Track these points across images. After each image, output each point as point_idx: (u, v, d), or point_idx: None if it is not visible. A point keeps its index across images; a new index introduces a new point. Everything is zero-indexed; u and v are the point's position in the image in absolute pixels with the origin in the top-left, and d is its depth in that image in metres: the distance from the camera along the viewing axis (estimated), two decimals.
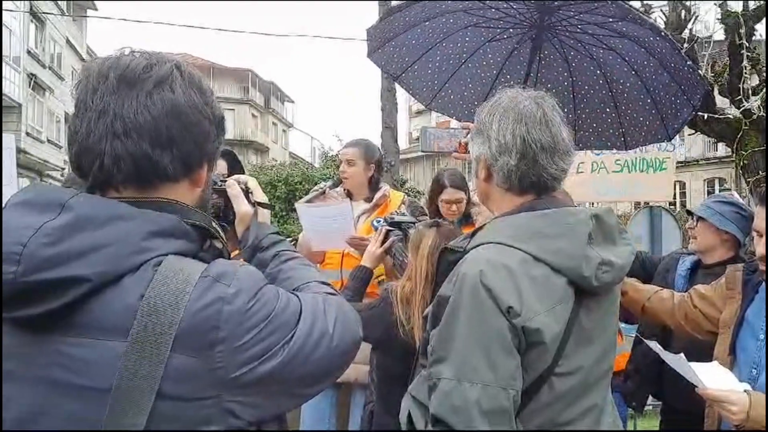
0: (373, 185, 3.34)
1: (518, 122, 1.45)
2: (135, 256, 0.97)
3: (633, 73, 2.74)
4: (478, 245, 1.43)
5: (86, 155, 1.02)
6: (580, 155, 4.11)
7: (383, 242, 2.73)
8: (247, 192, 1.41)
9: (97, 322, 0.94)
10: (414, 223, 2.74)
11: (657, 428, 3.41)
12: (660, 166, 4.17)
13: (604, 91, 2.84)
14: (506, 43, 2.91)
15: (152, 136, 1.01)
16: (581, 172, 4.09)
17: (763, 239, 2.07)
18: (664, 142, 3.02)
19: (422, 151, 3.46)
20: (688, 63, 2.63)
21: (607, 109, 2.86)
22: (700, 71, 2.85)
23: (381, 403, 2.45)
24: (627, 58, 2.72)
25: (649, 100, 2.76)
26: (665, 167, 4.15)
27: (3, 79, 19.73)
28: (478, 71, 2.99)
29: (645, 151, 4.17)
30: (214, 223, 1.13)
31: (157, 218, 1.01)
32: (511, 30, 2.85)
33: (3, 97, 19.86)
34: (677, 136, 4.17)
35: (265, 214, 1.41)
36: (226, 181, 1.40)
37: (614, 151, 4.15)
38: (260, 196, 1.42)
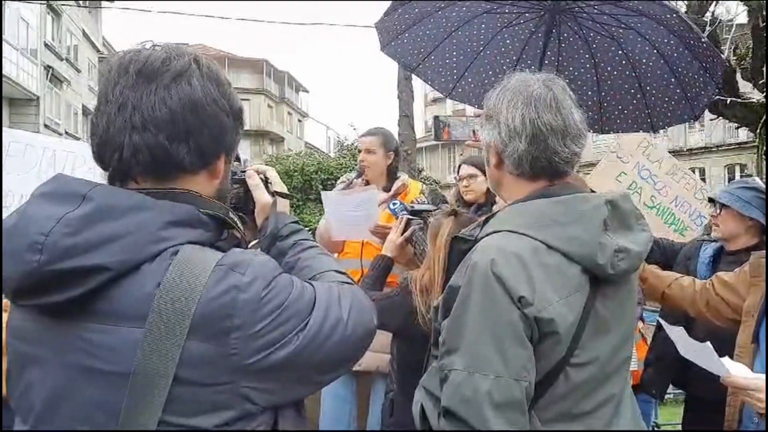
0: (392, 174, 3.35)
1: (528, 106, 1.41)
2: (153, 246, 0.99)
3: (655, 51, 2.67)
4: (489, 234, 1.40)
5: (106, 147, 1.05)
6: (628, 167, 4.10)
7: (404, 231, 2.70)
8: (266, 182, 1.43)
9: (117, 309, 0.98)
10: (434, 211, 2.72)
11: (678, 417, 3.37)
12: (681, 231, 4.16)
13: (627, 72, 2.78)
14: (523, 28, 2.85)
15: (169, 129, 1.04)
16: (619, 182, 4.09)
17: None
18: (690, 121, 2.96)
19: (435, 140, 3.47)
20: (704, 40, 2.56)
21: (632, 90, 2.81)
22: (722, 54, 2.78)
23: (401, 392, 2.44)
24: (647, 37, 2.66)
25: (672, 79, 2.70)
26: (684, 235, 4.15)
27: (21, 72, 19.94)
28: (497, 58, 2.94)
29: (678, 208, 4.19)
30: (231, 213, 1.15)
31: (175, 208, 1.04)
32: (526, 14, 2.80)
33: (21, 89, 20.09)
34: (705, 219, 4.14)
35: (284, 204, 1.44)
36: (246, 171, 1.43)
37: (657, 187, 4.14)
38: (279, 186, 1.45)
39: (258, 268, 1.02)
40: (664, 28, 2.58)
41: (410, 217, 2.75)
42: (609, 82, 2.83)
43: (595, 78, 2.84)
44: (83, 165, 3.69)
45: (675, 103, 2.75)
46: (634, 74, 2.76)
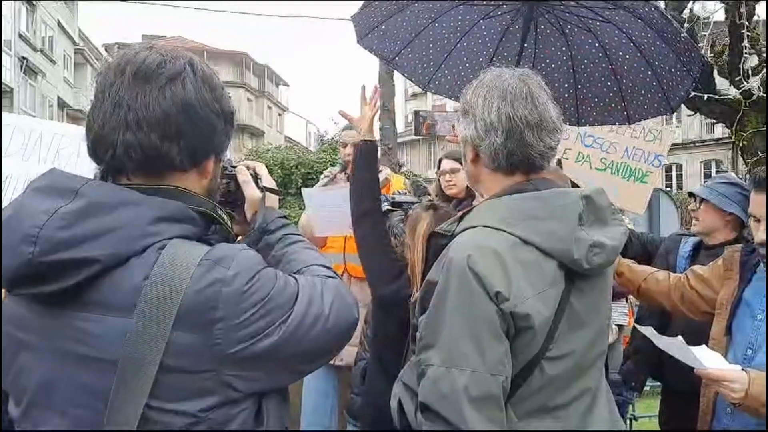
0: None
1: (503, 100, 1.42)
2: (141, 240, 1.04)
3: (632, 45, 2.68)
4: (466, 229, 1.40)
5: (101, 144, 1.09)
6: (569, 142, 4.07)
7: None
8: (256, 177, 1.47)
9: (107, 299, 1.02)
10: (415, 203, 2.71)
11: (655, 409, 3.41)
12: (641, 178, 4.16)
13: (603, 65, 2.78)
14: (500, 20, 2.84)
15: (162, 129, 1.08)
16: (566, 158, 4.06)
17: (762, 224, 2.04)
18: (666, 114, 2.99)
19: (415, 135, 3.46)
20: (683, 35, 2.57)
21: (608, 83, 2.81)
22: (699, 51, 2.80)
23: (375, 363, 2.43)
24: (625, 30, 2.66)
25: (649, 72, 2.71)
26: (646, 181, 4.15)
27: None
28: (474, 49, 2.93)
29: (631, 159, 4.17)
30: (218, 209, 1.21)
31: (164, 204, 1.08)
32: (504, 6, 2.78)
33: None
34: (663, 158, 4.18)
35: (272, 199, 1.47)
36: (236, 166, 1.47)
37: (604, 148, 4.14)
38: (269, 181, 1.49)
39: (242, 262, 1.07)
40: (642, 21, 2.59)
41: (391, 208, 2.73)
42: (585, 75, 2.83)
43: (571, 70, 2.83)
44: (69, 146, 3.68)
45: (651, 95, 2.76)
46: (610, 67, 2.77)
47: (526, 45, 2.72)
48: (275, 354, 1.07)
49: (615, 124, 3.07)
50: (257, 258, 1.12)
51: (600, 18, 2.67)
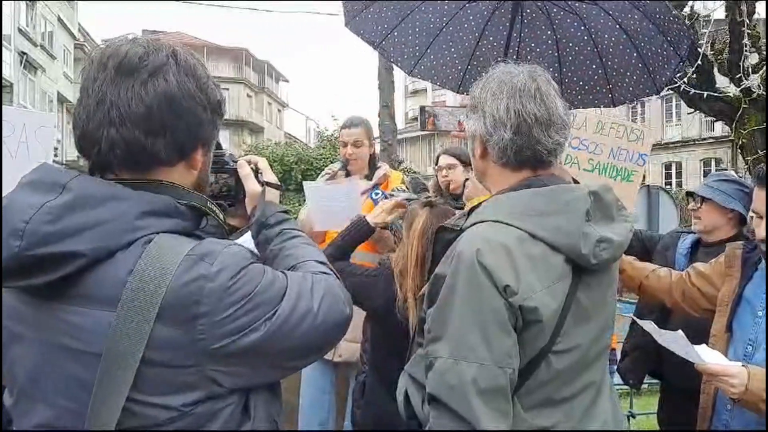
0: (373, 163, 3.34)
1: (512, 96, 1.43)
2: (127, 234, 1.05)
3: (617, 26, 2.68)
4: (474, 223, 1.41)
5: (86, 141, 1.10)
6: None
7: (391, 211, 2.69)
8: (257, 172, 1.48)
9: (92, 293, 1.03)
10: (415, 199, 2.71)
11: (653, 407, 3.42)
12: (627, 177, 4.23)
13: (589, 48, 2.78)
14: (487, 5, 2.83)
15: (146, 124, 1.08)
16: None
17: (764, 221, 2.05)
18: (652, 95, 3.01)
19: (421, 131, 3.45)
20: (673, 12, 2.58)
21: (593, 66, 2.81)
22: (687, 28, 2.79)
23: (374, 375, 2.44)
24: (611, 12, 2.67)
25: (635, 54, 2.71)
26: (632, 180, 4.22)
27: None
28: (459, 34, 2.91)
29: (617, 159, 4.24)
30: (209, 203, 1.20)
31: (152, 199, 1.08)
32: None
33: None
34: (646, 157, 4.24)
35: (273, 194, 1.47)
36: (237, 161, 1.47)
37: (590, 150, 4.19)
38: (269, 176, 1.49)
39: (227, 258, 1.07)
40: (628, 2, 2.59)
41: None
42: (570, 59, 2.83)
43: (556, 54, 2.82)
44: (11, 133, 3.42)
45: (637, 77, 2.76)
46: (595, 50, 2.76)
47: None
48: (261, 349, 1.07)
49: (600, 106, 3.08)
50: (244, 254, 1.12)
51: (586, 1, 2.67)
